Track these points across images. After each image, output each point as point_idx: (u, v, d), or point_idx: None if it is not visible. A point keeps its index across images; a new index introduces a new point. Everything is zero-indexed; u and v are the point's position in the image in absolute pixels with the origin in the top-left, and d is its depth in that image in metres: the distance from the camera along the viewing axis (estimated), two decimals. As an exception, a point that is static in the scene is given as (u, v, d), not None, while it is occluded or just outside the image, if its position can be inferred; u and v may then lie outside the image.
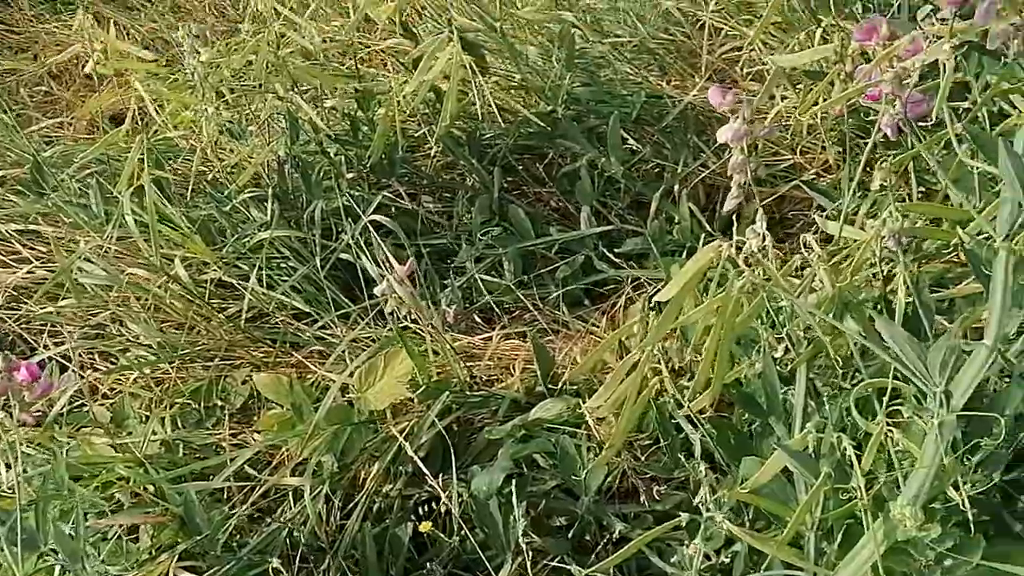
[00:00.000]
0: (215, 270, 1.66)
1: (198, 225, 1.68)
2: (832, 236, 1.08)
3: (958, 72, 1.24)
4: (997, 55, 1.03)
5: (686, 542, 1.01)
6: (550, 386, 1.40)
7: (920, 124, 0.96)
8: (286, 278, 1.67)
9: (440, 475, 1.32)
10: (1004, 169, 0.80)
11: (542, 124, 1.77)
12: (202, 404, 1.50)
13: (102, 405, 1.55)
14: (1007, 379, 1.02)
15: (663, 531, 1.11)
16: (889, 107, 0.98)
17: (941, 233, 1.05)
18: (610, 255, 1.71)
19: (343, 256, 1.68)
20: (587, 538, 1.28)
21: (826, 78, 1.17)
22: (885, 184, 0.90)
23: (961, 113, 1.21)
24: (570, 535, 1.27)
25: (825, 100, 1.21)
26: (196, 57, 1.60)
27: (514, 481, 1.23)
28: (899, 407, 0.90)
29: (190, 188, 1.72)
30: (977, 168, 0.91)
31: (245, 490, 1.38)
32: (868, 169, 1.10)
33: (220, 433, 1.46)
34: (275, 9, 1.64)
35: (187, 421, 1.49)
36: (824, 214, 1.42)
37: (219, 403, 1.50)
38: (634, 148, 1.80)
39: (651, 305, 1.07)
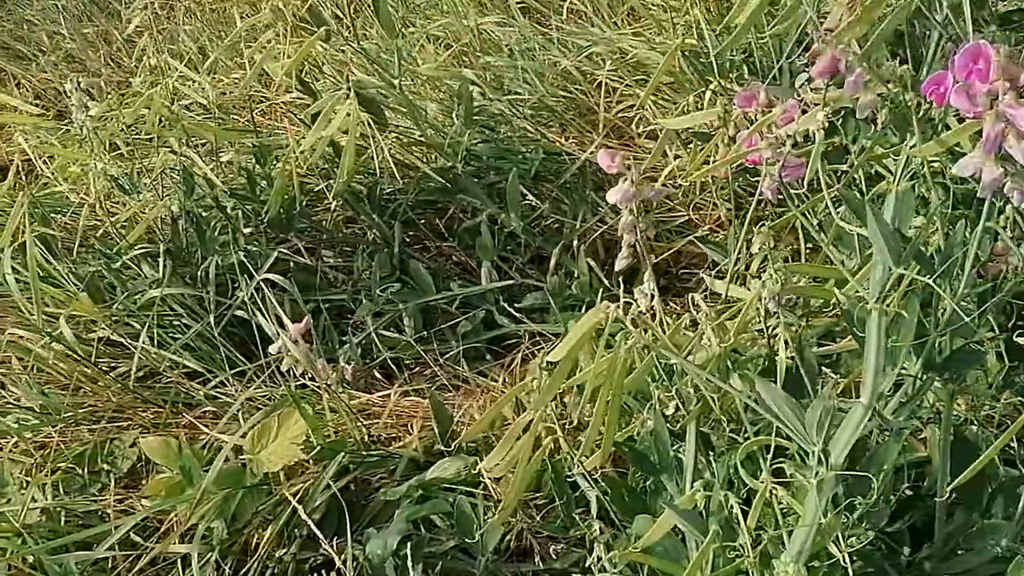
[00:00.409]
0: (103, 328, 1.61)
1: (86, 282, 1.63)
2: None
3: (835, 136, 1.29)
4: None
5: (582, 601, 1.01)
6: (448, 444, 1.39)
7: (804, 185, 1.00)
8: (179, 336, 1.63)
9: (335, 538, 1.29)
10: (873, 234, 0.83)
11: (442, 180, 1.78)
12: (87, 469, 1.43)
13: (-21, 472, 1.47)
14: (887, 432, 1.05)
15: (559, 591, 1.11)
16: (769, 171, 1.01)
17: (822, 292, 1.09)
18: (511, 310, 1.71)
19: (239, 313, 1.65)
20: (485, 599, 1.27)
21: (712, 140, 1.20)
22: (764, 248, 0.92)
23: (840, 175, 1.26)
24: (468, 596, 1.25)
25: (712, 162, 1.24)
26: (84, 111, 1.56)
27: (410, 543, 1.22)
28: (784, 464, 0.92)
29: (77, 244, 1.67)
30: (854, 230, 0.94)
31: (131, 559, 1.33)
32: (757, 226, 1.13)
33: (105, 499, 1.40)
34: (167, 62, 1.62)
35: (70, 487, 1.43)
36: (715, 271, 1.45)
37: (105, 468, 1.45)
38: (534, 204, 1.82)
39: (543, 365, 1.08)
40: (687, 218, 1.77)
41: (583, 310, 1.69)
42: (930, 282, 0.82)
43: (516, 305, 1.71)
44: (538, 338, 1.66)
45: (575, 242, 1.75)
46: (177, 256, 1.71)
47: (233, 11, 2.38)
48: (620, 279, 1.68)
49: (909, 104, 0.95)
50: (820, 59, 0.91)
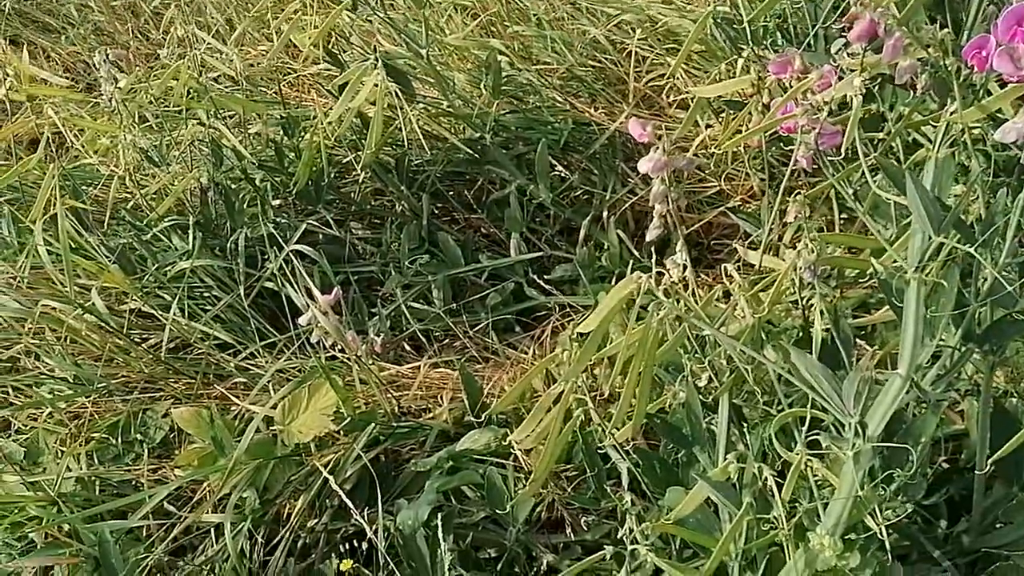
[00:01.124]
0: (135, 300, 1.62)
1: (117, 254, 1.63)
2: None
3: (873, 103, 1.26)
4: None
5: (615, 572, 1.01)
6: (479, 416, 1.39)
7: (840, 154, 0.98)
8: (209, 308, 1.64)
9: (366, 508, 1.29)
10: (912, 202, 0.82)
11: (470, 151, 1.77)
12: (120, 439, 1.45)
13: (15, 441, 1.49)
14: (925, 404, 1.03)
15: (591, 562, 1.10)
16: (804, 140, 0.99)
17: (857, 263, 1.07)
18: (540, 282, 1.71)
19: (268, 285, 1.65)
20: (516, 569, 1.27)
21: (745, 108, 1.18)
22: (799, 217, 0.91)
23: (877, 143, 1.24)
24: (499, 567, 1.25)
25: (745, 130, 1.22)
26: (113, 84, 1.56)
27: (441, 514, 1.22)
28: (819, 436, 0.91)
29: (107, 216, 1.68)
30: (891, 199, 0.92)
31: (164, 527, 1.34)
32: (790, 196, 1.11)
33: (139, 469, 1.42)
34: (195, 34, 1.61)
35: (104, 457, 1.45)
36: (748, 241, 1.44)
37: (138, 438, 1.46)
38: (563, 175, 1.80)
39: (574, 336, 1.07)
40: (719, 189, 1.75)
41: (613, 282, 1.69)
42: (971, 251, 0.80)
43: (545, 277, 1.71)
44: (568, 310, 1.66)
45: (605, 213, 1.73)
46: (207, 228, 1.71)
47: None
48: (651, 250, 1.67)
49: (949, 69, 0.93)
50: (858, 23, 0.89)
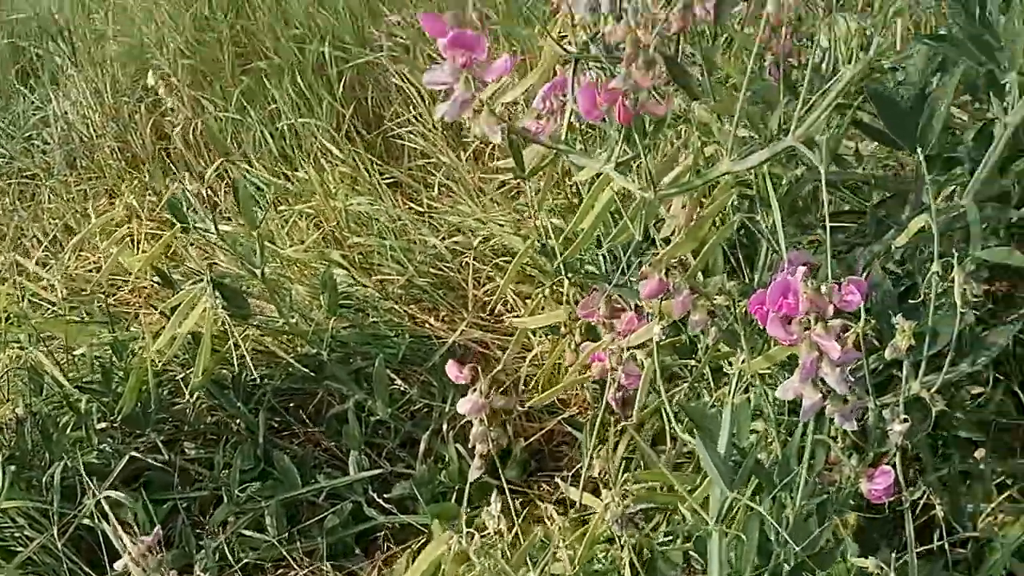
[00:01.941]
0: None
1: (-85, 496, 1.51)
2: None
3: (683, 333, 1.32)
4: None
5: None
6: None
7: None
8: (21, 550, 1.52)
9: None
10: (705, 461, 0.84)
11: (307, 368, 1.75)
12: None
13: None
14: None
15: None
16: (613, 383, 1.03)
17: (671, 497, 1.09)
18: (380, 500, 1.66)
19: (87, 521, 1.55)
20: None
21: (563, 342, 1.22)
22: (604, 473, 0.92)
23: (690, 369, 1.29)
24: None
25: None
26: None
27: None
28: None
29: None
30: (693, 443, 0.95)
31: None
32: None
33: None
34: (16, 263, 1.57)
35: None
36: (573, 472, 1.45)
37: None
38: (402, 388, 1.80)
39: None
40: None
41: (453, 499, 1.67)
42: (762, 511, 0.82)
43: (385, 496, 1.67)
44: (407, 530, 1.61)
45: (444, 426, 1.72)
46: (22, 461, 1.61)
47: (89, 205, 2.34)
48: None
49: (738, 318, 0.98)
50: (647, 282, 0.94)
